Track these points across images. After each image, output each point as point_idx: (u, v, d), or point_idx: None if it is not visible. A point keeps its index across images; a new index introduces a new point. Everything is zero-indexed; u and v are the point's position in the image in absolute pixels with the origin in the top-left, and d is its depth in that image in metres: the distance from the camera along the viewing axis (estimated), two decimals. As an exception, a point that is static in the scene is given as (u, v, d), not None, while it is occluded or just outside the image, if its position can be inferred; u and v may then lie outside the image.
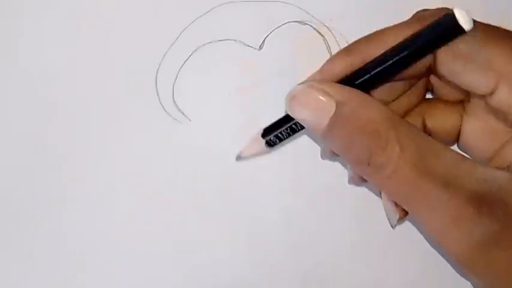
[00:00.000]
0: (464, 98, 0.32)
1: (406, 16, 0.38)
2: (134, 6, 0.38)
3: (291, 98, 0.29)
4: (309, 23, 0.38)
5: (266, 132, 0.32)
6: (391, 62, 0.28)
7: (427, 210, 0.27)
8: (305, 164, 0.37)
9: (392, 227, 0.34)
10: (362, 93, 0.28)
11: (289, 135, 0.31)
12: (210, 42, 0.37)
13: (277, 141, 0.32)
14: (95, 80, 0.37)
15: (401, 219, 0.32)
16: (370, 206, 0.37)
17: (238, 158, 0.33)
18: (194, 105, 0.37)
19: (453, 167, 0.27)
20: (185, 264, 0.36)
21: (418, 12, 0.31)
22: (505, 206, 0.25)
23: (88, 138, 0.36)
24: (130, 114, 0.37)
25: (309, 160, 0.37)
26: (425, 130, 0.33)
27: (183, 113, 0.37)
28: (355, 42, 0.30)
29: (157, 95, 0.37)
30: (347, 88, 0.28)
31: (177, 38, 0.37)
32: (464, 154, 0.30)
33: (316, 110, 0.28)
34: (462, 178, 0.26)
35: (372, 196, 0.37)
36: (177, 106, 0.37)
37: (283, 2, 0.38)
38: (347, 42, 0.37)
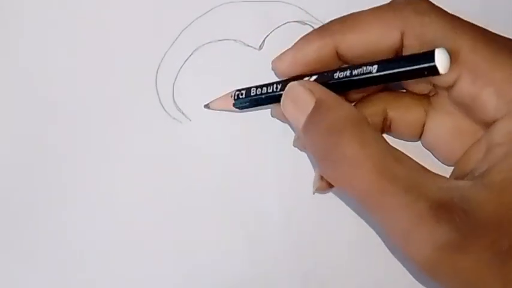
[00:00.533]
0: (430, 91, 0.32)
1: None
2: (134, 6, 0.38)
3: (284, 92, 0.31)
4: (309, 23, 0.38)
5: (239, 94, 0.34)
6: (362, 77, 0.29)
7: (387, 212, 0.27)
8: (305, 164, 0.37)
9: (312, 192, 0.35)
10: (336, 95, 0.30)
11: (257, 105, 0.34)
12: (210, 42, 0.37)
13: (245, 105, 0.34)
14: (95, 80, 0.37)
15: (320, 190, 0.33)
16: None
17: (207, 106, 0.36)
18: (194, 105, 0.37)
19: (415, 174, 0.27)
20: (185, 264, 0.36)
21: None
22: (465, 215, 0.25)
23: (88, 138, 0.36)
24: (131, 114, 0.37)
25: (309, 160, 0.37)
26: (386, 122, 0.33)
27: (183, 113, 0.37)
28: (329, 23, 0.31)
29: (158, 95, 0.37)
30: (323, 89, 0.30)
31: (177, 38, 0.37)
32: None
33: (298, 106, 0.30)
34: (424, 185, 0.26)
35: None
36: (177, 106, 0.37)
37: (283, 2, 0.38)
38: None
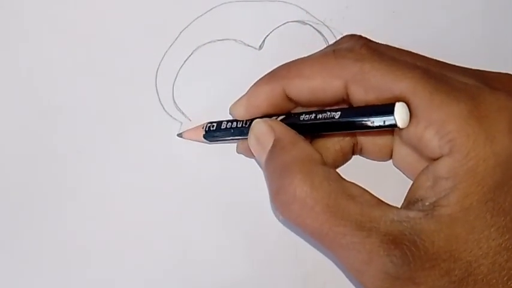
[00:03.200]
0: None
1: (405, 16, 0.38)
2: (134, 6, 0.38)
3: (251, 129, 0.32)
4: (309, 23, 0.38)
5: (210, 126, 0.35)
6: (326, 121, 0.30)
7: (341, 250, 0.28)
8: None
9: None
10: (291, 131, 0.31)
11: (226, 137, 0.35)
12: (209, 42, 0.38)
13: (215, 138, 0.35)
14: (94, 80, 0.37)
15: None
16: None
17: (180, 135, 0.36)
18: (194, 105, 0.37)
19: (368, 209, 0.28)
20: (185, 264, 0.36)
21: (340, 42, 0.32)
22: (415, 247, 0.26)
23: (88, 138, 0.36)
24: (131, 114, 0.37)
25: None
26: (357, 146, 0.34)
27: (183, 113, 0.37)
28: (277, 69, 0.33)
29: (157, 95, 0.37)
30: (284, 127, 0.31)
31: (177, 37, 0.37)
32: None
33: (260, 143, 0.32)
34: (377, 220, 0.27)
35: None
36: (177, 106, 0.37)
37: (283, 2, 0.38)
38: (347, 42, 0.38)
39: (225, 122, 0.34)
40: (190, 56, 0.37)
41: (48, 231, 0.36)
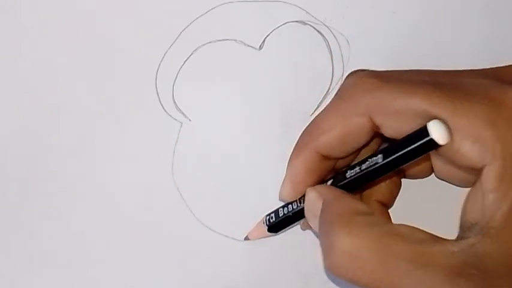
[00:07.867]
0: None
1: (405, 16, 0.38)
2: (134, 6, 0.38)
3: (305, 202, 0.32)
4: (309, 23, 0.38)
5: (269, 218, 0.34)
6: (371, 168, 0.29)
7: None
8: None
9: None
10: (337, 191, 0.31)
11: (289, 223, 0.34)
12: (209, 42, 0.38)
13: (279, 228, 0.34)
14: (94, 80, 0.37)
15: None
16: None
17: (246, 238, 0.36)
18: (194, 105, 0.37)
19: (422, 246, 0.26)
20: (185, 264, 0.36)
21: (342, 83, 0.32)
22: (482, 273, 0.25)
23: (88, 138, 0.36)
24: (130, 114, 0.37)
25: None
26: (402, 172, 0.34)
27: (183, 113, 0.37)
28: (300, 139, 0.32)
29: (157, 95, 0.37)
30: (329, 188, 0.31)
31: (177, 38, 0.37)
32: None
33: (313, 212, 0.31)
34: (434, 255, 0.26)
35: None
36: (177, 106, 0.37)
37: (283, 2, 0.38)
38: (347, 42, 0.38)
39: (281, 209, 0.34)
40: (190, 56, 0.37)
41: (48, 231, 0.36)
